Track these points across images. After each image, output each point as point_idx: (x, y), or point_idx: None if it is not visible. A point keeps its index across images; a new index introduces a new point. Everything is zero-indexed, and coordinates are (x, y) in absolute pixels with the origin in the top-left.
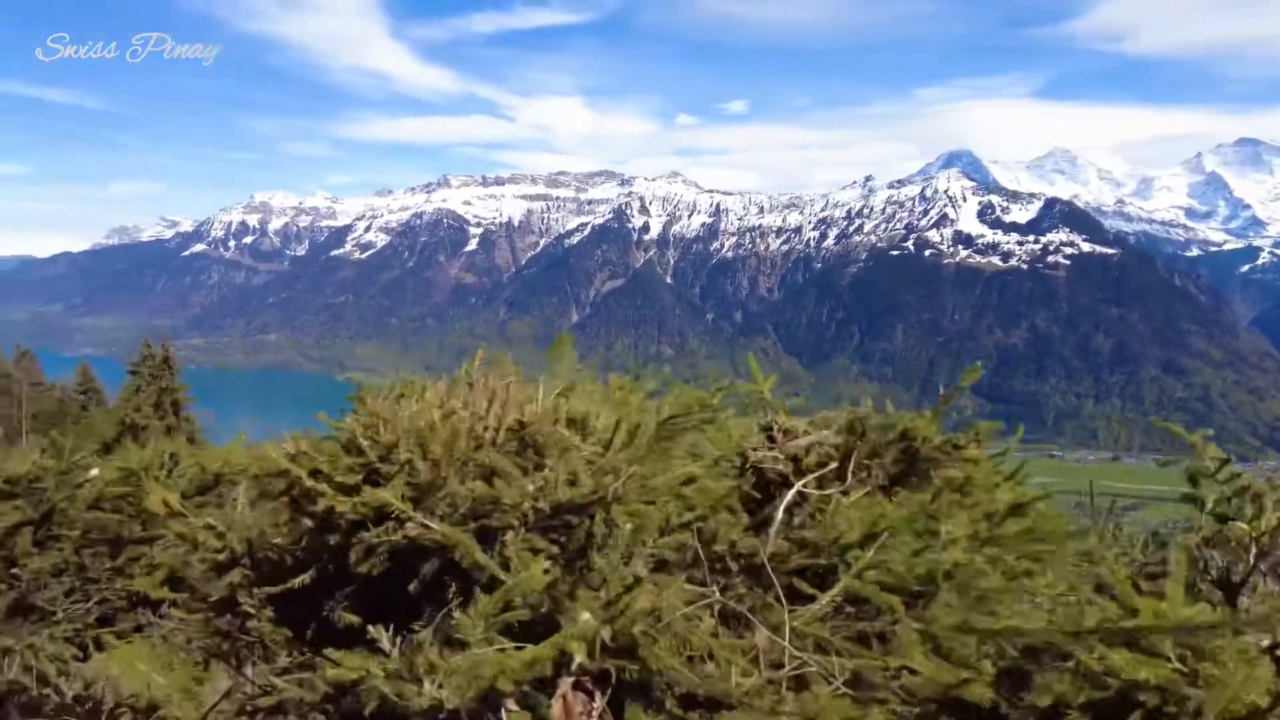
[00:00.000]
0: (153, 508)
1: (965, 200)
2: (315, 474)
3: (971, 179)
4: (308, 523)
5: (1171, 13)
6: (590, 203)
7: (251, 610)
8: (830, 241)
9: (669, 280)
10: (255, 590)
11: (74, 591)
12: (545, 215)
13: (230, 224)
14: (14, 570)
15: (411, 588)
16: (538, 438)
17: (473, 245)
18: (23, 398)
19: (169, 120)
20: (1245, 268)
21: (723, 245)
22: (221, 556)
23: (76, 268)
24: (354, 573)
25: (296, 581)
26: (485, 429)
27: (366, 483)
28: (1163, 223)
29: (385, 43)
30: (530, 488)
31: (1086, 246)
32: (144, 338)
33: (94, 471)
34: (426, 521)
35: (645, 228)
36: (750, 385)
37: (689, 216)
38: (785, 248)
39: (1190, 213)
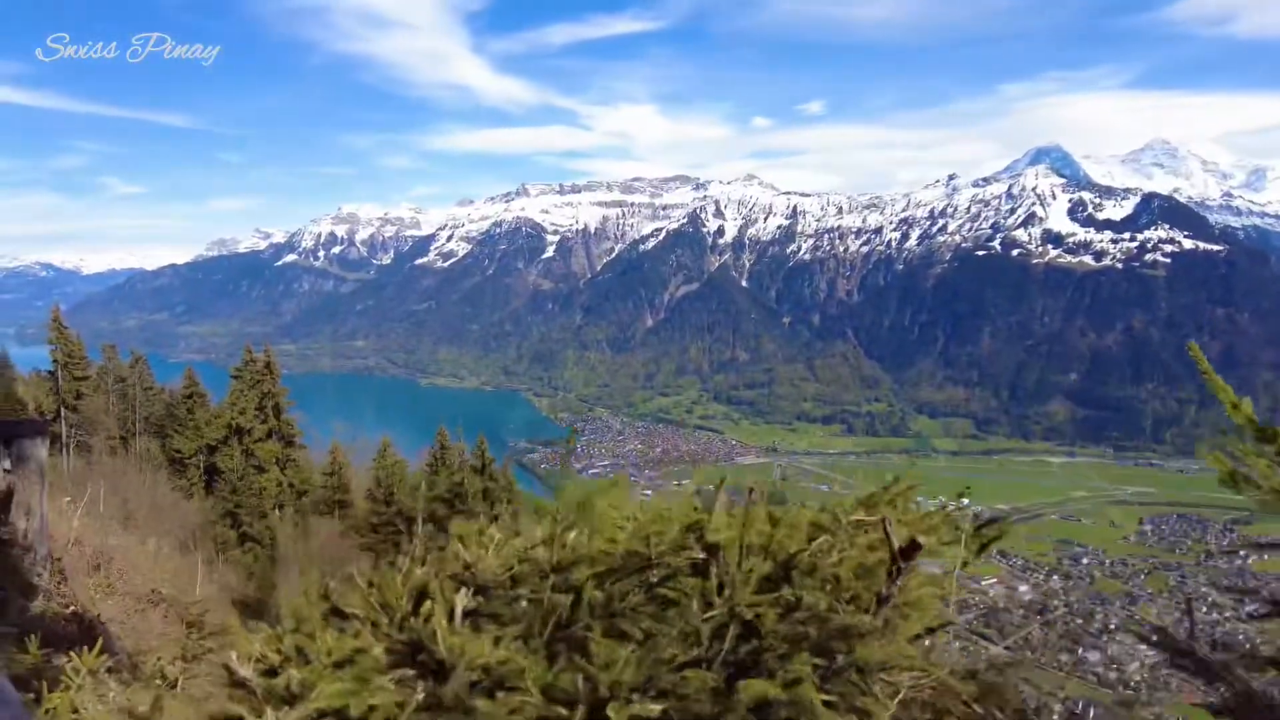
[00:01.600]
0: None
1: (1055, 197)
2: None
3: (1061, 175)
4: None
5: None
6: (665, 208)
7: None
8: (912, 242)
9: (744, 284)
10: None
11: None
12: (620, 221)
13: (320, 235)
14: None
15: None
16: None
17: (550, 252)
18: (136, 401)
19: (265, 138)
20: None
21: (800, 247)
22: None
23: (180, 278)
24: None
25: None
26: None
27: None
28: (1278, 216)
29: (466, 57)
30: None
31: (1189, 243)
32: (242, 343)
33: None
34: None
35: (720, 231)
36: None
37: (765, 219)
38: (865, 249)
39: None
